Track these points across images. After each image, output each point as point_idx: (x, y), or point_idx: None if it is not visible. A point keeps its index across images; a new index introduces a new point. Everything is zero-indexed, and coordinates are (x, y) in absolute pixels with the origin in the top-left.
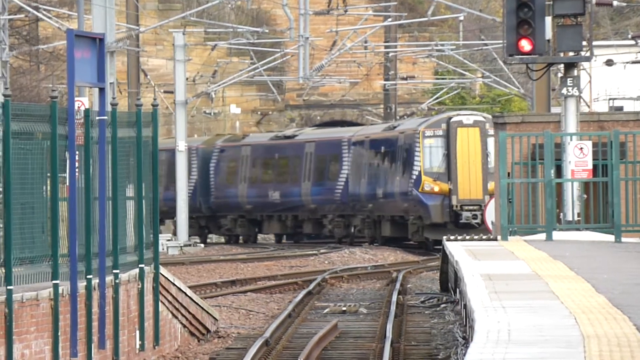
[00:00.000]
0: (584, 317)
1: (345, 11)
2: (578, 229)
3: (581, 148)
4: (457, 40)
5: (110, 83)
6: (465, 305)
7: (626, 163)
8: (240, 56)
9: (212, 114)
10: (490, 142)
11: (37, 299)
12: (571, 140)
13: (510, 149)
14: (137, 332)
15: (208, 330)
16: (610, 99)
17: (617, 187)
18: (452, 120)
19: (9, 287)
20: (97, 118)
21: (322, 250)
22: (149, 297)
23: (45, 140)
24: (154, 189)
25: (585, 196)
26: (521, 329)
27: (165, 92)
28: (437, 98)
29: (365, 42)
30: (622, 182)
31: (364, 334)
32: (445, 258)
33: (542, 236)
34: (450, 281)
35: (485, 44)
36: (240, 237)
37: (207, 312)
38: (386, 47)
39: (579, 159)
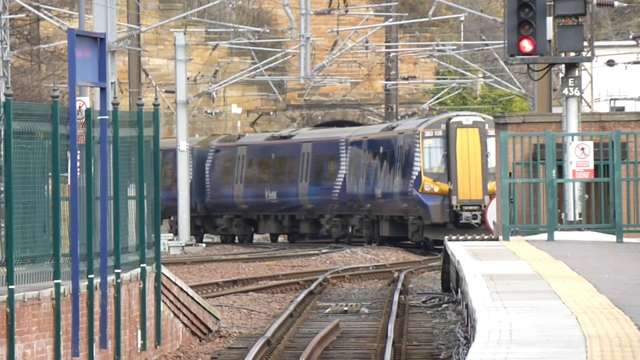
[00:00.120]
0: (586, 317)
1: (346, 11)
2: (579, 229)
3: (582, 148)
4: (458, 40)
5: (112, 83)
6: (466, 305)
7: (627, 163)
8: (242, 56)
9: (213, 113)
10: (490, 142)
11: (38, 298)
12: (572, 140)
13: (512, 149)
14: (139, 331)
15: (210, 330)
16: (611, 100)
17: (618, 188)
18: (451, 121)
19: (10, 287)
20: (99, 118)
21: (323, 250)
22: (150, 297)
23: (47, 140)
24: (156, 189)
25: (586, 196)
26: (523, 329)
27: (166, 91)
28: (438, 98)
29: (366, 42)
30: (624, 183)
31: (366, 333)
32: (447, 258)
33: (544, 236)
34: (451, 281)
35: (487, 44)
36: (236, 237)
37: (209, 312)
38: (387, 47)
39: (580, 159)
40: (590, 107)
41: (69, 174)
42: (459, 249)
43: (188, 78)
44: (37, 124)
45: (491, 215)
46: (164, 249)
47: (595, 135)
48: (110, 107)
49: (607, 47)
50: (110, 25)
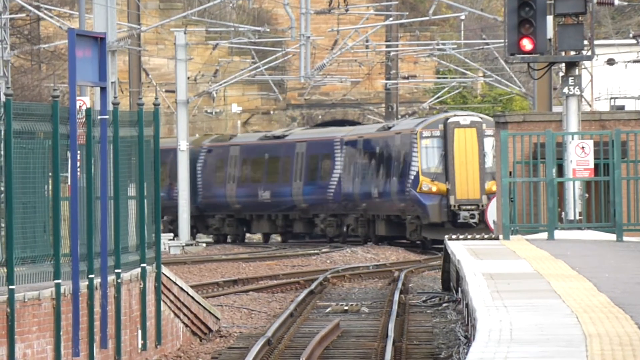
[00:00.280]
0: (586, 316)
1: (347, 10)
2: (580, 228)
3: (583, 147)
4: (459, 39)
5: (112, 82)
6: (467, 305)
7: (627, 162)
8: (242, 55)
9: (213, 113)
10: (487, 142)
11: (39, 298)
12: (573, 139)
13: (512, 148)
14: (139, 331)
15: (210, 330)
16: (611, 98)
17: (618, 186)
18: (449, 121)
19: (10, 287)
20: (99, 117)
21: (323, 250)
22: (150, 297)
23: (47, 140)
24: (156, 188)
25: (586, 195)
26: (523, 328)
27: (166, 91)
28: (438, 97)
29: (367, 41)
30: (624, 181)
31: (366, 333)
32: (447, 257)
33: (544, 235)
34: (452, 280)
35: (487, 43)
36: (228, 237)
37: (209, 312)
38: (387, 46)
39: (580, 158)
40: (590, 106)
41: (69, 174)
42: (459, 248)
43: (188, 77)
44: (37, 123)
45: (491, 214)
46: (164, 248)
47: (595, 134)
48: (110, 107)
49: (608, 45)
50: (111, 25)
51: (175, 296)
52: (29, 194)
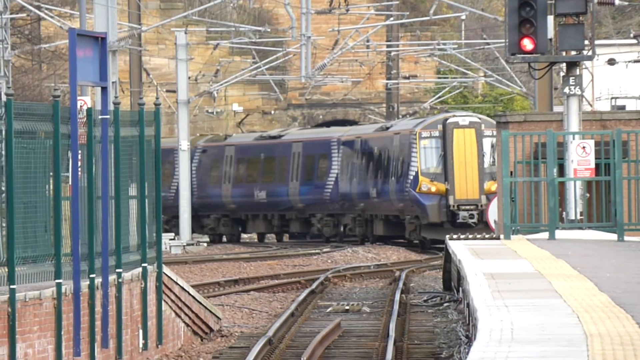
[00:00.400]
0: (587, 316)
1: (347, 10)
2: (581, 228)
3: (584, 147)
4: (459, 39)
5: (113, 82)
6: (468, 304)
7: (628, 162)
8: (243, 55)
9: (214, 113)
10: (486, 142)
11: (40, 298)
12: (574, 139)
13: (513, 148)
14: (140, 331)
15: (211, 329)
16: (612, 98)
17: (619, 186)
18: (448, 121)
19: (11, 287)
20: (100, 117)
21: (324, 249)
22: (152, 296)
23: (48, 140)
24: (157, 188)
25: (587, 195)
26: (524, 328)
27: (167, 91)
28: (439, 97)
29: (367, 41)
30: (625, 181)
31: (367, 332)
32: (448, 257)
33: (545, 235)
34: (453, 280)
35: (487, 43)
36: (224, 236)
37: (210, 311)
38: (388, 46)
39: (581, 157)
40: (591, 105)
41: (70, 174)
42: (460, 247)
43: (189, 77)
44: (38, 123)
45: (492, 214)
46: (165, 248)
47: (596, 134)
48: (111, 107)
49: (608, 45)
50: (111, 25)
51: (176, 296)
52: (30, 194)
